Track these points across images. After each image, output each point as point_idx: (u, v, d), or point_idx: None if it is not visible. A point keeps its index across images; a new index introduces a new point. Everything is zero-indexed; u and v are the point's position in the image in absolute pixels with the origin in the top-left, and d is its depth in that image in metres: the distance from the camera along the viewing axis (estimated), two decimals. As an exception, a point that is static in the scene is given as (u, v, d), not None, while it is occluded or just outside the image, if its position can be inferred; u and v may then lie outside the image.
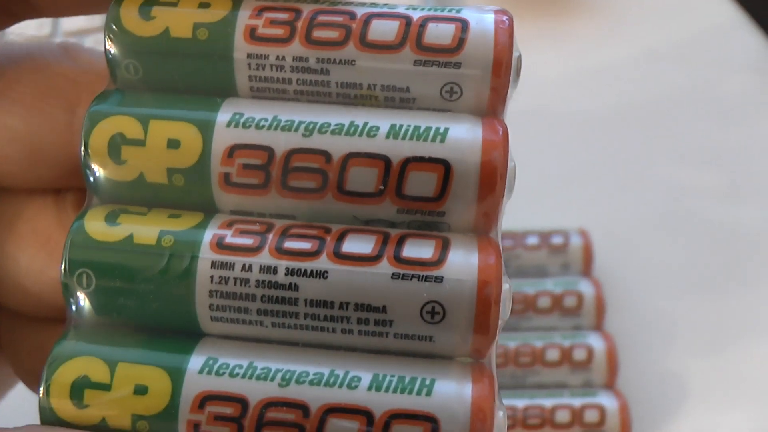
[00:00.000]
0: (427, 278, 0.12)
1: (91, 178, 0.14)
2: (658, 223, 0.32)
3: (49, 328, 0.12)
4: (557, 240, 0.30)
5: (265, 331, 0.13)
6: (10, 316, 0.15)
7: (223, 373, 0.12)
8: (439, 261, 0.12)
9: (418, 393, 0.12)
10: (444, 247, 0.13)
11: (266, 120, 0.13)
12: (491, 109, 0.14)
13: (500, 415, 0.12)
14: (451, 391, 0.12)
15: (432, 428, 0.12)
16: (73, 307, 0.13)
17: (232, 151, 0.13)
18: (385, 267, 0.12)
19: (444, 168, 0.13)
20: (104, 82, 0.14)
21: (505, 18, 0.14)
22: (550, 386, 0.27)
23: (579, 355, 0.27)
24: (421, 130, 0.13)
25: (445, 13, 0.14)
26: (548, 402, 0.26)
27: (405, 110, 0.14)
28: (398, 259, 0.12)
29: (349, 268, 0.12)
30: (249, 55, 0.14)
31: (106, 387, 0.12)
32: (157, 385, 0.12)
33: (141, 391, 0.12)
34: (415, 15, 0.14)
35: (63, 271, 0.13)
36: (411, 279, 0.12)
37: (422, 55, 0.13)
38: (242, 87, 0.14)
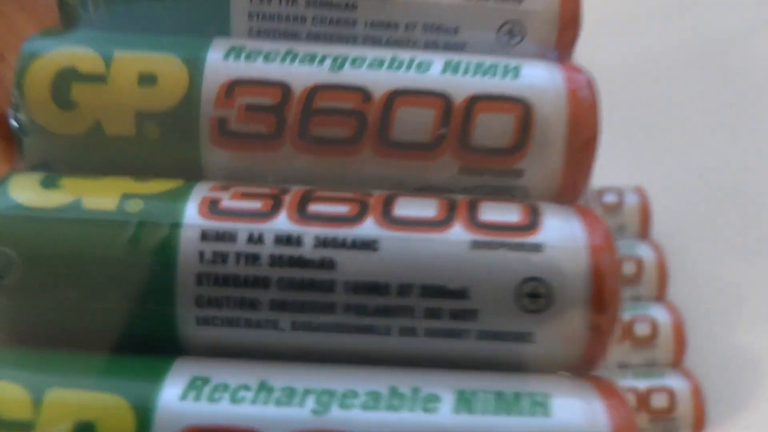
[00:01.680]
0: (521, 246, 0.08)
1: (22, 134, 0.08)
2: (724, 179, 0.26)
3: None
4: (610, 198, 0.25)
5: (280, 338, 0.08)
6: None
7: (220, 397, 0.07)
8: (531, 225, 0.08)
9: (532, 413, 0.07)
10: (533, 210, 0.08)
11: (277, 53, 0.09)
12: (558, 59, 0.10)
13: None
14: (580, 414, 0.07)
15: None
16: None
17: (231, 87, 0.08)
18: (459, 233, 0.08)
19: (523, 108, 0.08)
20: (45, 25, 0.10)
21: None
22: (609, 367, 0.22)
23: (641, 329, 0.22)
24: (487, 65, 0.09)
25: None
26: None
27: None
28: (477, 223, 0.08)
29: (409, 235, 0.08)
30: (251, -17, 0.09)
31: (25, 427, 0.07)
32: (113, 422, 0.07)
33: (85, 429, 0.07)
34: None
35: (-35, 252, 0.07)
36: (499, 248, 0.08)
37: (476, -15, 0.09)
38: (238, 26, 0.10)
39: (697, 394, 0.21)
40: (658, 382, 0.21)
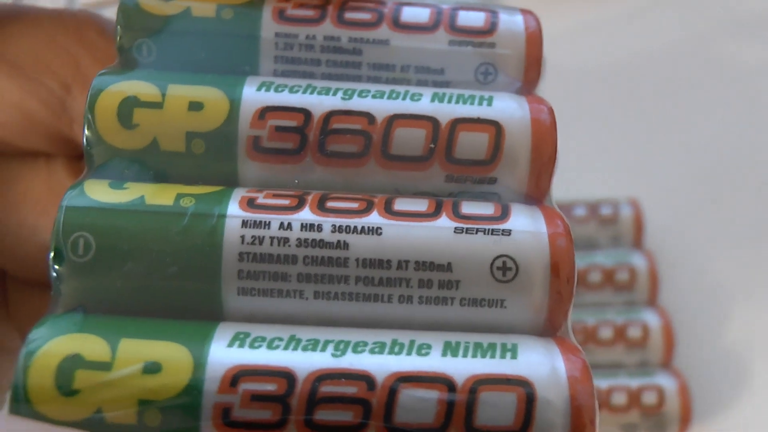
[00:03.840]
0: (493, 231, 0.10)
1: (93, 150, 0.11)
2: (714, 187, 0.28)
3: (45, 293, 0.09)
4: (606, 211, 0.27)
5: (305, 305, 0.10)
6: (13, 282, 0.13)
7: (260, 345, 0.09)
8: (503, 216, 0.10)
9: (502, 357, 0.09)
10: (504, 207, 0.11)
11: (299, 87, 0.11)
12: (525, 93, 0.12)
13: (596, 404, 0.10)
14: (541, 357, 0.09)
15: (526, 393, 0.09)
16: (63, 283, 0.10)
17: (263, 112, 0.11)
18: (445, 222, 0.10)
19: (495, 129, 0.11)
20: (107, 64, 0.12)
21: (530, 15, 0.13)
22: (605, 366, 0.24)
23: (634, 332, 0.24)
24: (466, 97, 0.12)
25: (473, 5, 0.13)
26: (603, 383, 0.23)
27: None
28: (459, 215, 0.10)
29: (406, 223, 0.10)
30: (277, 35, 0.12)
31: (105, 366, 0.09)
32: (175, 361, 0.09)
33: (152, 369, 0.09)
34: (444, 5, 0.13)
35: (54, 236, 0.10)
36: (476, 233, 0.10)
37: (457, 35, 0.12)
38: (265, 69, 0.12)
39: (684, 392, 0.23)
40: (649, 381, 0.23)
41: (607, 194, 0.28)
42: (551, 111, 0.12)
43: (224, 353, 0.09)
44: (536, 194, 0.12)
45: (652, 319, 0.25)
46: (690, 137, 0.30)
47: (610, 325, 0.25)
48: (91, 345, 0.09)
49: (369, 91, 0.12)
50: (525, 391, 0.09)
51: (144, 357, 0.09)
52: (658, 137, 0.30)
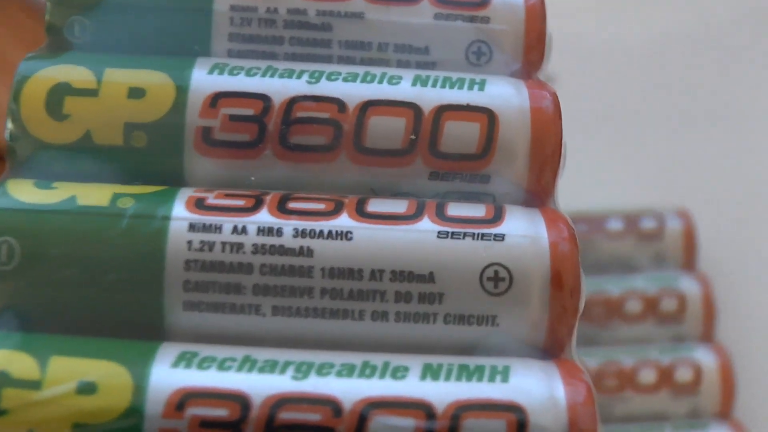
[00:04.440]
0: (484, 236, 0.11)
1: (17, 145, 0.12)
2: None
3: None
4: (649, 224, 0.26)
5: (262, 322, 0.11)
6: None
7: (209, 366, 0.10)
8: (495, 218, 0.12)
9: (491, 380, 0.10)
10: (497, 209, 0.12)
11: (258, 69, 0.13)
12: (525, 77, 0.14)
13: None
14: (536, 381, 0.11)
15: (518, 419, 0.10)
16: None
17: (215, 99, 0.12)
18: (427, 225, 0.11)
19: (487, 118, 0.12)
20: (35, 47, 0.13)
21: None
22: (646, 418, 0.24)
23: (683, 375, 0.24)
24: (454, 80, 0.13)
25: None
26: None
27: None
28: (443, 217, 0.11)
29: (381, 226, 0.11)
30: (233, 8, 0.13)
31: (35, 385, 0.10)
32: (113, 381, 0.10)
33: (86, 389, 0.10)
34: None
35: (-29, 243, 0.11)
36: (464, 238, 0.11)
37: (444, 8, 0.14)
38: (218, 49, 0.13)
39: None
40: None
41: (650, 203, 0.29)
42: (555, 97, 0.13)
43: (168, 374, 0.10)
44: (538, 195, 0.13)
45: (706, 358, 0.24)
46: (754, 134, 0.30)
47: (652, 367, 0.24)
48: (18, 361, 0.10)
49: (339, 74, 0.13)
50: (516, 417, 0.10)
51: (77, 376, 0.10)
52: (714, 134, 0.30)
